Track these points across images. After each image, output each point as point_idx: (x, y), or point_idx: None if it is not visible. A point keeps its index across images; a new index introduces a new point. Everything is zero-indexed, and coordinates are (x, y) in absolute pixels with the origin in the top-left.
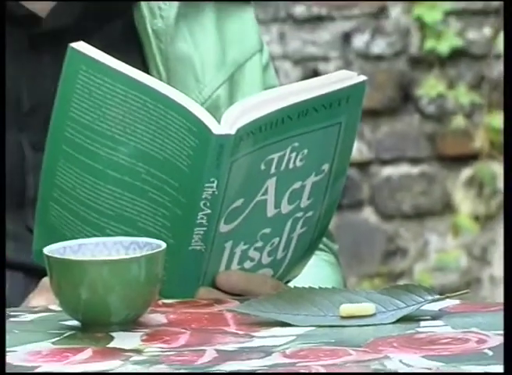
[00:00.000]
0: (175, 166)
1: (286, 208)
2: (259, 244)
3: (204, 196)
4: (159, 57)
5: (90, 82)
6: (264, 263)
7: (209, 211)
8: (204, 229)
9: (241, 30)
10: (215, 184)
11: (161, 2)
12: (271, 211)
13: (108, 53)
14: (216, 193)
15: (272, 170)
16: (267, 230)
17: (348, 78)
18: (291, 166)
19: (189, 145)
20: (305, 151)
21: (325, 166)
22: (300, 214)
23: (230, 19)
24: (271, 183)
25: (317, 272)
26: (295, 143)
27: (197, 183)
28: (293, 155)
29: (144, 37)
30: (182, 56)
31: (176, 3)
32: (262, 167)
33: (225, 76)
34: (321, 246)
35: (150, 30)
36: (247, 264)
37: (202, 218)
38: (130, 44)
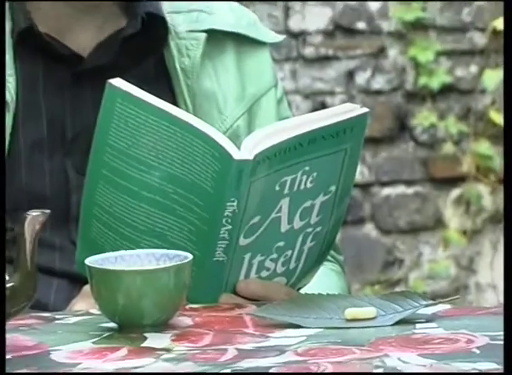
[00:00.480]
0: (200, 187)
1: (297, 224)
2: (274, 255)
3: (225, 213)
4: (186, 92)
5: (126, 113)
6: (278, 272)
7: (230, 226)
8: (226, 242)
9: (258, 68)
10: (235, 203)
11: (188, 43)
12: (284, 226)
13: (141, 88)
14: (236, 211)
15: (286, 191)
16: (281, 244)
17: (352, 110)
18: (302, 187)
19: (212, 169)
20: (314, 174)
21: (332, 187)
22: (310, 229)
23: (248, 59)
24: (284, 202)
25: (325, 280)
26: (306, 167)
27: (220, 203)
28: (304, 177)
29: (173, 74)
30: (206, 91)
31: (202, 44)
32: (277, 188)
33: (244, 109)
34: (328, 257)
35: (178, 68)
36: (264, 273)
37: (224, 233)
38: (161, 80)
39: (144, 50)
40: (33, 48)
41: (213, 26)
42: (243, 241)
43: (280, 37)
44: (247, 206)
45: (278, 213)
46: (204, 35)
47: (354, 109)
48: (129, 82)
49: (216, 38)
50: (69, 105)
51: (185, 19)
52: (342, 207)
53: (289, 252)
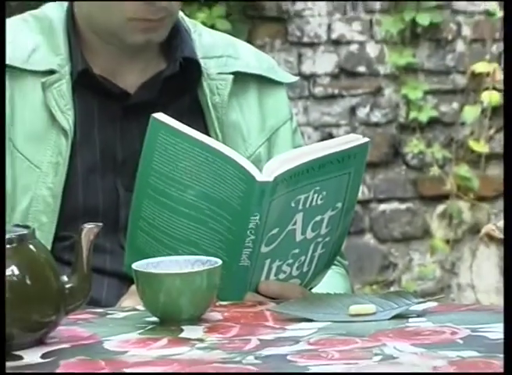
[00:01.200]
0: (228, 203)
1: (309, 234)
2: (290, 261)
3: (250, 226)
4: (217, 124)
5: (166, 142)
6: (293, 275)
7: (253, 237)
8: (250, 250)
9: (276, 104)
10: (257, 217)
11: (218, 83)
12: (298, 237)
13: (179, 121)
14: (259, 224)
15: (300, 207)
16: (296, 251)
17: (355, 140)
18: (314, 203)
19: (239, 189)
20: (324, 193)
21: (339, 204)
22: (320, 239)
23: (268, 96)
24: (299, 217)
25: (332, 281)
26: (317, 187)
27: (245, 217)
28: (315, 195)
29: (206, 109)
30: (233, 123)
31: (230, 84)
32: (292, 205)
33: (265, 138)
34: (335, 262)
35: (210, 104)
36: (281, 276)
37: (248, 242)
38: (195, 114)
39: (182, 89)
40: (88, 86)
41: (239, 69)
42: (264, 249)
43: (294, 79)
44: (268, 220)
45: (293, 226)
46: (231, 77)
47: (357, 139)
48: (169, 116)
49: (241, 79)
50: (119, 134)
51: (215, 63)
52: (347, 220)
53: (302, 258)
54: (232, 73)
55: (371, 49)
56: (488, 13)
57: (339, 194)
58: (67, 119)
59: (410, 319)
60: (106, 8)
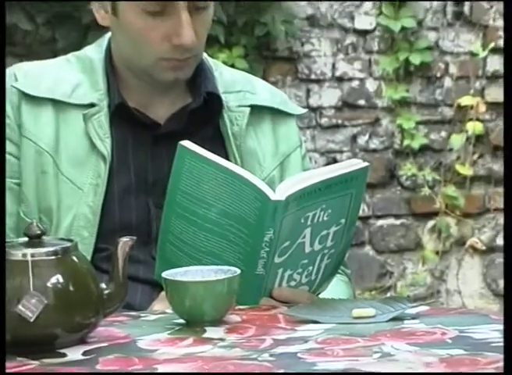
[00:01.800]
0: (246, 220)
1: (317, 247)
2: (300, 270)
3: (264, 239)
4: (236, 150)
5: (192, 166)
6: (303, 282)
7: (268, 249)
8: (265, 260)
9: (287, 133)
10: (271, 232)
11: (236, 115)
12: (307, 249)
13: (203, 147)
14: (272, 237)
15: (308, 223)
16: (305, 261)
17: (356, 164)
18: (320, 220)
19: (255, 207)
20: (329, 210)
21: (342, 220)
22: (326, 251)
23: (280, 126)
24: (307, 231)
25: (337, 288)
26: (323, 205)
27: (260, 231)
28: (322, 213)
29: (226, 137)
30: (250, 149)
31: (247, 116)
32: (302, 221)
33: (278, 163)
34: (339, 271)
35: (230, 133)
36: (292, 283)
37: (263, 253)
38: (217, 142)
39: (205, 120)
40: (124, 117)
41: (255, 103)
42: (277, 259)
43: (303, 111)
44: (280, 234)
45: (302, 239)
46: (248, 109)
47: (358, 164)
48: (195, 143)
49: (257, 111)
50: (150, 159)
51: (235, 97)
52: (349, 234)
53: (310, 268)
54: (250, 106)
55: (370, 85)
56: (472, 54)
57: (343, 211)
58: (105, 146)
59: (406, 321)
60: (139, 50)
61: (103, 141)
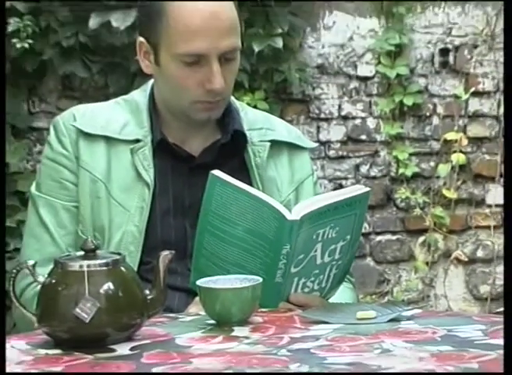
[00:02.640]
0: (266, 236)
1: (327, 259)
2: (312, 279)
3: (282, 253)
4: (258, 178)
5: (221, 191)
6: (315, 289)
7: (285, 261)
8: (283, 271)
9: (302, 163)
10: (288, 247)
11: (259, 148)
12: (318, 261)
13: (231, 176)
14: (289, 251)
15: (319, 239)
16: (316, 271)
17: (359, 189)
18: (329, 236)
19: (274, 225)
20: (337, 228)
21: (348, 236)
22: (334, 262)
23: (296, 157)
24: (318, 246)
25: (344, 294)
26: (331, 224)
27: (279, 246)
28: (331, 230)
29: (250, 167)
30: (270, 177)
31: (267, 149)
32: (314, 237)
33: (293, 188)
34: (346, 279)
35: (253, 164)
36: (306, 290)
37: (281, 265)
38: (242, 171)
39: (233, 153)
40: (164, 150)
41: (274, 138)
42: (293, 270)
43: (314, 145)
44: (296, 248)
45: (314, 252)
46: (268, 144)
47: (360, 189)
48: (224, 172)
49: (276, 145)
50: (187, 186)
51: (257, 134)
52: (354, 248)
53: (321, 277)
54: (270, 141)
55: (370, 123)
56: (456, 96)
57: (348, 229)
58: (149, 175)
59: (402, 322)
60: (178, 94)
61: (147, 171)
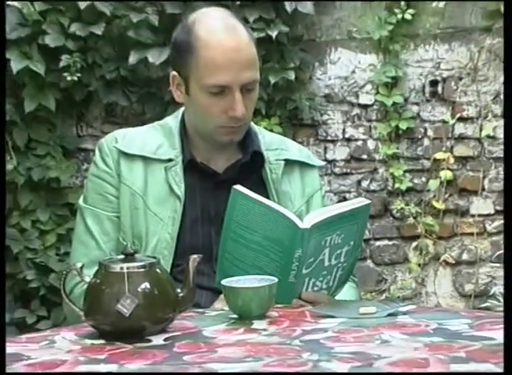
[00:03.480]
0: (281, 242)
1: (333, 262)
2: (321, 279)
3: (295, 256)
4: (274, 192)
5: (242, 203)
6: (323, 288)
7: (297, 263)
8: (295, 272)
9: (311, 179)
10: (300, 251)
11: (274, 166)
12: (326, 263)
13: (250, 190)
14: (301, 255)
15: (327, 244)
16: (324, 272)
17: (361, 202)
18: (335, 242)
19: (288, 233)
20: (342, 235)
21: (351, 242)
22: (340, 265)
23: (306, 174)
24: (326, 250)
25: (348, 292)
26: (338, 232)
27: (292, 251)
28: (337, 237)
29: (267, 183)
30: (284, 192)
31: (282, 167)
32: (322, 243)
33: (304, 201)
34: (350, 279)
35: (270, 180)
36: (315, 288)
37: (294, 267)
38: (260, 186)
39: (252, 170)
40: (193, 168)
41: (288, 157)
42: (304, 271)
43: (322, 163)
44: (307, 253)
45: (323, 256)
46: (283, 162)
47: (362, 201)
48: (244, 187)
49: (290, 164)
50: (212, 199)
51: (273, 154)
52: (357, 252)
53: (329, 277)
54: (284, 160)
55: (370, 144)
56: (444, 121)
57: (352, 235)
58: (180, 190)
59: (399, 317)
60: (205, 120)
61: (179, 186)
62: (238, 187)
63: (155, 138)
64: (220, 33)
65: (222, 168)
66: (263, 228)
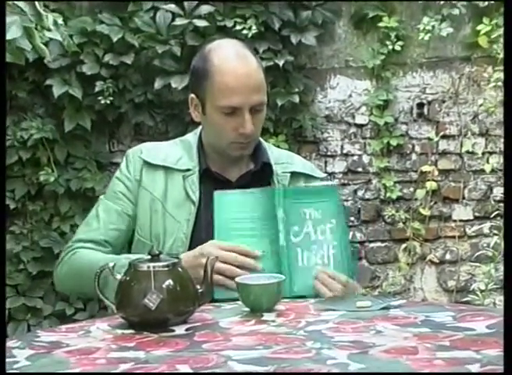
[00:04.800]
0: (266, 213)
1: (320, 237)
2: (313, 252)
3: (278, 217)
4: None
5: (226, 200)
6: (318, 263)
7: (283, 224)
8: (284, 235)
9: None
10: (281, 211)
11: (281, 178)
12: (313, 237)
13: None
14: (283, 217)
15: (307, 217)
16: (314, 246)
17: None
18: (315, 216)
19: (267, 203)
20: (319, 210)
21: (333, 220)
22: (329, 242)
23: (309, 184)
24: (310, 224)
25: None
26: (313, 206)
27: (274, 213)
28: (315, 212)
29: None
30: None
31: (288, 179)
32: (302, 214)
33: None
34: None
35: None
36: (311, 261)
37: (281, 228)
38: None
39: (261, 179)
40: (208, 177)
41: (293, 170)
42: (294, 240)
43: (324, 175)
44: (289, 217)
45: (307, 229)
46: (289, 174)
47: (330, 183)
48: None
49: (295, 176)
50: None
51: (280, 167)
52: (346, 237)
53: (321, 253)
54: (290, 173)
55: (365, 158)
56: (429, 139)
57: (330, 214)
58: (195, 196)
59: (391, 310)
60: (219, 136)
61: (194, 193)
62: (217, 191)
63: (176, 151)
64: (232, 61)
65: (234, 177)
66: (249, 211)
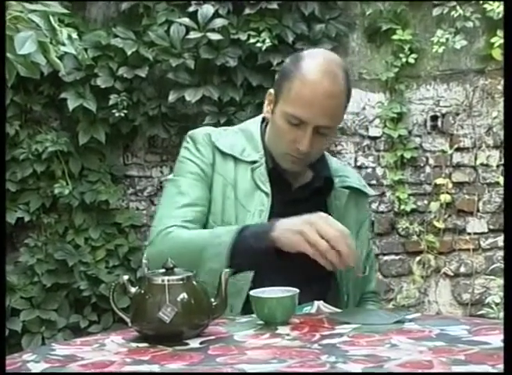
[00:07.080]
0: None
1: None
2: None
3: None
4: (336, 219)
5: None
6: None
7: None
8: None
9: (364, 206)
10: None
11: (339, 193)
12: None
13: (316, 211)
14: None
15: None
16: None
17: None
18: None
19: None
20: None
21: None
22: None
23: (360, 202)
24: None
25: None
26: None
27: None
28: None
29: (330, 208)
30: (344, 217)
31: (347, 195)
32: None
33: (358, 226)
34: (375, 300)
35: (333, 206)
36: None
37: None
38: (321, 209)
39: (321, 193)
40: (273, 177)
41: (350, 185)
42: None
43: (374, 193)
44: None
45: None
46: (347, 191)
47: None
48: (310, 207)
49: (351, 191)
50: (289, 208)
51: (338, 180)
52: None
53: None
54: (347, 187)
55: (379, 171)
56: (443, 151)
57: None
58: (266, 186)
59: (406, 324)
60: (278, 142)
61: (264, 184)
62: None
63: (239, 141)
64: (318, 75)
65: (295, 185)
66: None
